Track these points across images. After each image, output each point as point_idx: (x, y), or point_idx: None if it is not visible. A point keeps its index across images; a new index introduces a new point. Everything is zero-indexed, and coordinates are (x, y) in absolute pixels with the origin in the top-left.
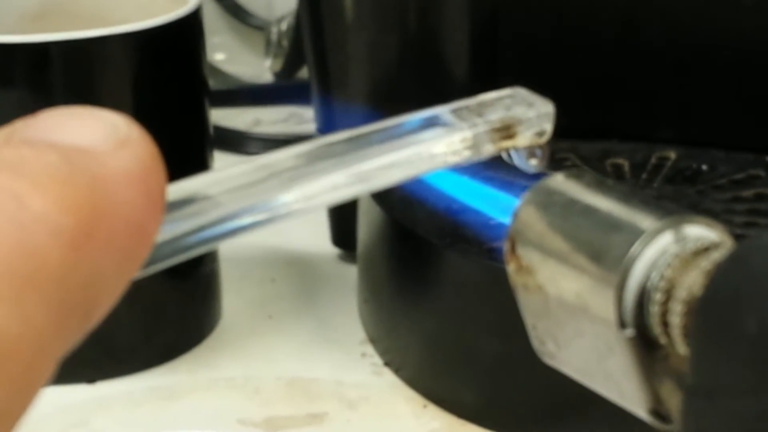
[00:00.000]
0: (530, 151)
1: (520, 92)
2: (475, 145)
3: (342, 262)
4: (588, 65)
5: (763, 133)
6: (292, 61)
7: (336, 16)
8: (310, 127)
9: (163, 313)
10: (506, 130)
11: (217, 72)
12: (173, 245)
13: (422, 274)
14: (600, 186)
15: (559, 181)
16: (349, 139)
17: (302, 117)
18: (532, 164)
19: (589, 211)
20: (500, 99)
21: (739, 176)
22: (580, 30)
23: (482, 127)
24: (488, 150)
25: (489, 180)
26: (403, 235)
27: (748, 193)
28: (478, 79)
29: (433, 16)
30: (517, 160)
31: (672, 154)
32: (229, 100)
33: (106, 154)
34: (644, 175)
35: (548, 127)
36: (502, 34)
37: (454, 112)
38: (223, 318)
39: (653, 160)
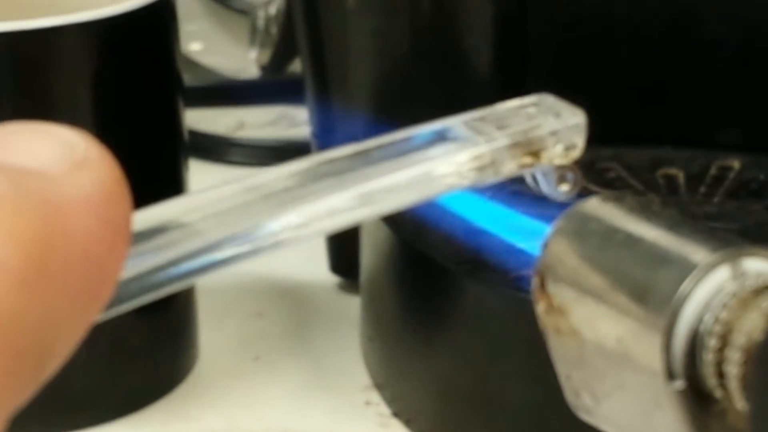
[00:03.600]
0: (559, 174)
1: (547, 99)
2: (492, 164)
3: (342, 293)
4: (636, 59)
5: None
6: (281, 53)
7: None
8: (303, 131)
9: (129, 354)
10: (530, 146)
11: (194, 65)
12: (142, 282)
13: (437, 306)
14: (644, 211)
15: (595, 205)
16: (348, 157)
17: (294, 119)
18: (562, 190)
19: (631, 242)
20: (523, 108)
21: None
22: (625, 18)
23: (501, 141)
24: (508, 169)
25: (514, 201)
26: (414, 260)
27: None
28: (503, 76)
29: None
30: (544, 185)
31: (735, 164)
32: (207, 99)
33: (61, 178)
34: (702, 189)
35: (579, 141)
36: (534, 23)
37: (469, 124)
38: (200, 359)
39: (713, 170)
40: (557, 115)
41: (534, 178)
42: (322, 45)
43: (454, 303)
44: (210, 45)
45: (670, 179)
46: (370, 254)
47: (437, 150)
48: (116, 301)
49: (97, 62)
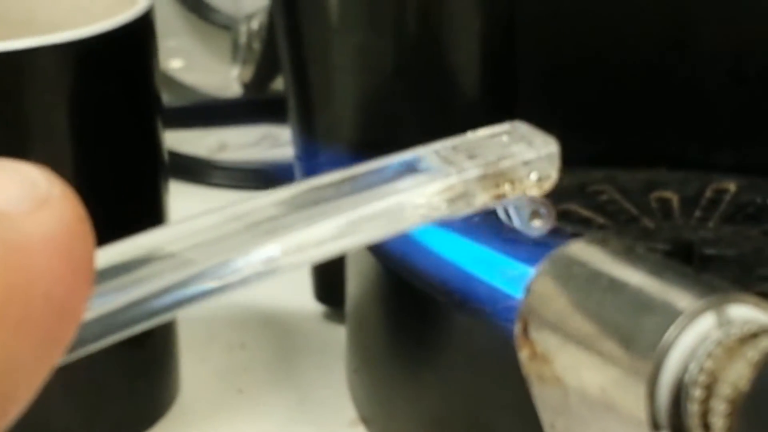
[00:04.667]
0: (532, 209)
1: (520, 128)
2: (464, 195)
3: (327, 322)
4: (629, 80)
5: None
6: (264, 70)
7: (317, 14)
8: (287, 151)
9: (107, 389)
10: (502, 176)
11: (174, 83)
12: (110, 321)
13: (425, 337)
14: (628, 255)
15: (579, 249)
16: (320, 189)
17: (277, 139)
18: (535, 226)
19: (615, 287)
20: (495, 136)
21: None
22: (618, 38)
23: (472, 172)
24: (481, 201)
25: (495, 241)
26: (401, 289)
27: None
28: (492, 95)
29: (436, 16)
30: (516, 220)
31: (731, 186)
32: (188, 120)
33: (22, 217)
34: (697, 213)
35: (553, 171)
36: (524, 43)
37: (440, 153)
38: (181, 393)
39: (708, 193)
40: (530, 144)
41: (506, 213)
42: (305, 63)
43: (442, 334)
44: (191, 62)
45: (664, 202)
46: (355, 283)
47: (408, 181)
48: (81, 342)
49: (74, 84)
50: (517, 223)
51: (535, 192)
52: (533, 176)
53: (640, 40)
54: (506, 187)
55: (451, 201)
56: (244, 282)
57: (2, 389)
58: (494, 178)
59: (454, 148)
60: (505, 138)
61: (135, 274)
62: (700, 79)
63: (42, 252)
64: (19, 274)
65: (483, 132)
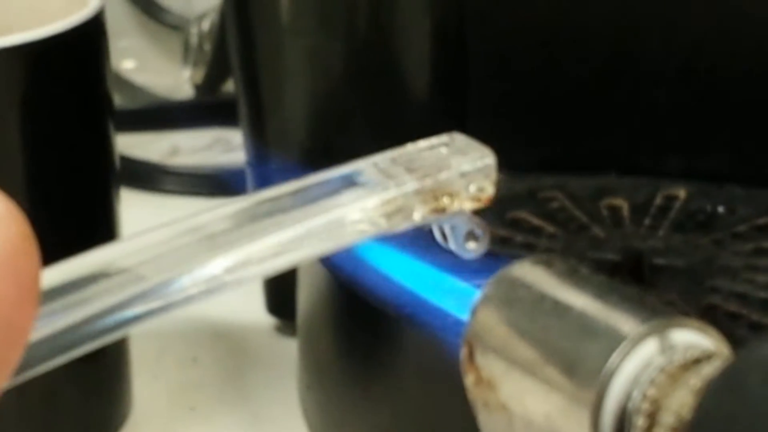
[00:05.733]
0: (468, 230)
1: (458, 139)
2: (402, 210)
3: (280, 336)
4: (578, 83)
5: None
6: (216, 71)
7: (268, 15)
8: (240, 156)
9: (59, 407)
10: (440, 189)
11: (125, 84)
12: (59, 341)
13: (377, 354)
14: (573, 277)
15: (524, 270)
16: (258, 205)
17: (230, 143)
18: (470, 248)
19: (559, 311)
20: (433, 148)
21: (764, 221)
22: (568, 44)
23: (410, 185)
24: (419, 215)
25: (442, 261)
26: (352, 303)
27: None
28: (442, 99)
29: (387, 19)
30: (452, 241)
31: (681, 193)
32: (139, 123)
33: None
34: (647, 221)
35: (490, 183)
36: (474, 49)
37: (379, 167)
38: (133, 411)
39: (658, 200)
40: (468, 155)
41: (442, 233)
42: (256, 65)
43: (393, 349)
44: (143, 62)
45: (615, 210)
46: (306, 296)
47: (349, 195)
48: (28, 363)
49: (24, 87)
50: (452, 243)
51: (473, 205)
52: (471, 188)
53: (590, 45)
54: (445, 201)
55: (390, 215)
56: (191, 299)
57: None
58: (433, 191)
59: (393, 161)
60: (443, 150)
61: (85, 291)
62: (650, 84)
63: None
64: None
65: (422, 144)
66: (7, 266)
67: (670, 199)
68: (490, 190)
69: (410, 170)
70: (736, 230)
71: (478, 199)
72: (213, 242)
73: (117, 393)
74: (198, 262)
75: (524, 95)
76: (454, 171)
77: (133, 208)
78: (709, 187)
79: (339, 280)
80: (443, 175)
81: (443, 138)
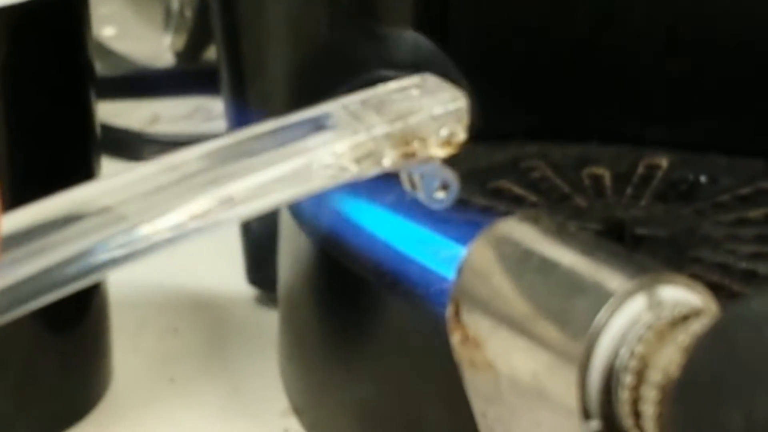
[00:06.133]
0: (439, 180)
1: (430, 80)
2: (371, 154)
3: (260, 306)
4: (562, 51)
5: None
6: (197, 38)
7: None
8: (220, 124)
9: (37, 379)
10: (411, 133)
11: (106, 52)
12: (34, 284)
13: (358, 323)
14: (561, 234)
15: (512, 227)
16: (213, 153)
17: (210, 112)
18: (439, 197)
19: (547, 267)
20: (405, 89)
21: (746, 191)
22: (550, 10)
23: (380, 129)
24: (390, 160)
25: (428, 220)
26: (334, 271)
27: (756, 213)
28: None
29: None
30: (421, 191)
31: (663, 162)
32: (120, 91)
33: None
34: (629, 190)
35: (461, 126)
36: (456, 15)
37: (348, 109)
38: (114, 382)
39: (640, 169)
40: (440, 97)
41: (411, 182)
42: (237, 31)
43: (374, 319)
44: (124, 30)
45: (597, 179)
46: (287, 265)
47: (317, 139)
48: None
49: (3, 52)
50: (421, 192)
51: (444, 151)
52: (443, 132)
53: (574, 12)
54: (415, 145)
55: (360, 160)
56: (157, 245)
57: None
58: (403, 135)
59: (363, 103)
60: (414, 91)
61: (62, 232)
62: (634, 52)
63: None
64: None
65: (392, 85)
66: None
67: (653, 168)
68: (461, 135)
69: (380, 113)
70: (718, 200)
71: (449, 144)
72: (180, 188)
73: (97, 365)
74: (165, 209)
75: (507, 63)
76: (425, 114)
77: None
78: (691, 157)
79: (320, 249)
80: (414, 119)
81: (415, 79)
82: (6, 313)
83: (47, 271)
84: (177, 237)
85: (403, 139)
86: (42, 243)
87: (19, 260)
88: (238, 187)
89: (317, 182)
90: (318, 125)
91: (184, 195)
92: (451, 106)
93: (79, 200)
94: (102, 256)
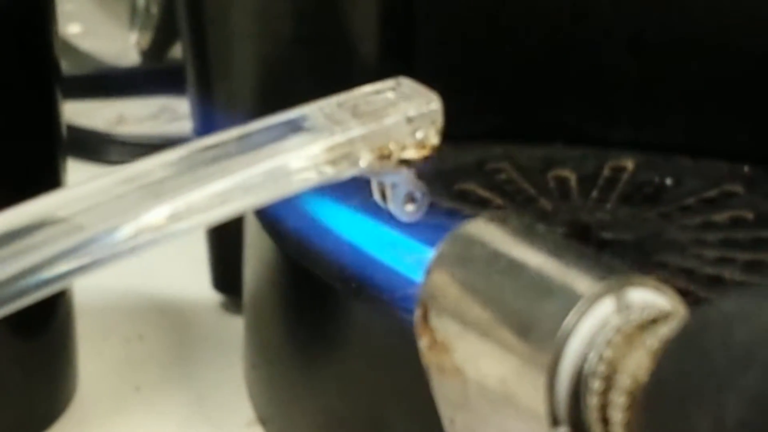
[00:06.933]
0: (408, 192)
1: (404, 84)
2: (347, 156)
3: (225, 312)
4: (527, 51)
5: (741, 135)
6: (162, 36)
7: None
8: (186, 125)
9: (3, 387)
10: (386, 135)
11: (71, 50)
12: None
13: (324, 330)
14: (529, 234)
15: (479, 227)
16: (197, 152)
17: (176, 112)
18: (408, 210)
19: (514, 269)
20: (380, 92)
21: (711, 193)
22: (516, 9)
23: (356, 131)
24: (365, 162)
25: (395, 222)
26: (299, 277)
27: (722, 216)
28: (389, 63)
29: None
30: (391, 202)
31: (629, 164)
32: (85, 90)
33: None
34: (595, 193)
35: (436, 128)
36: (422, 13)
37: (324, 111)
38: (79, 390)
39: (606, 171)
40: (414, 101)
41: (382, 193)
42: (203, 28)
43: (340, 325)
44: (89, 27)
45: (562, 182)
46: (253, 270)
47: (294, 141)
48: None
49: None
50: (391, 203)
51: (418, 153)
52: (418, 135)
53: (539, 11)
54: (391, 147)
55: (336, 162)
56: (134, 249)
57: None
58: (379, 136)
59: (339, 105)
60: (390, 94)
61: (22, 242)
62: (599, 52)
63: None
64: None
65: (368, 88)
66: None
67: (618, 170)
68: (435, 139)
69: (356, 115)
70: (684, 203)
71: (423, 147)
72: (153, 190)
73: (62, 373)
74: (138, 211)
75: (472, 63)
76: (401, 116)
77: (79, 178)
78: (657, 159)
79: (286, 253)
80: (389, 120)
81: (390, 82)
82: None
83: (4, 283)
84: (137, 246)
85: (379, 141)
86: (3, 251)
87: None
88: (202, 194)
89: (293, 185)
90: (294, 127)
91: (144, 203)
92: (426, 109)
93: (37, 210)
94: (60, 267)
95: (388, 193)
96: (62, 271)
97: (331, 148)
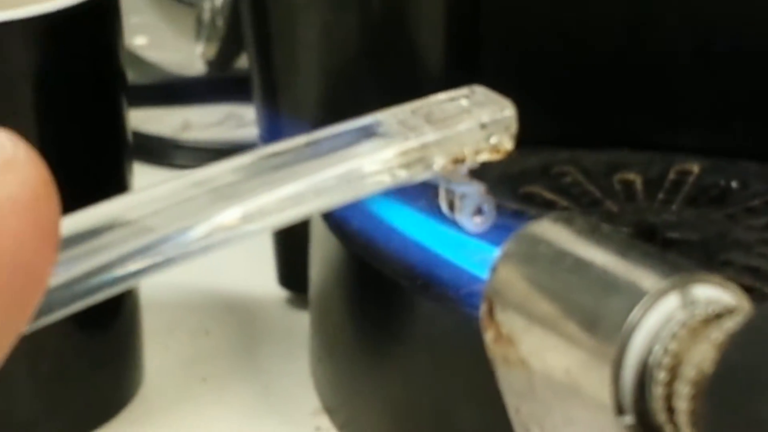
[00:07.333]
0: (477, 204)
1: (478, 91)
2: (422, 160)
3: (292, 308)
4: (593, 57)
5: None
6: (228, 47)
7: None
8: (251, 131)
9: (71, 378)
10: (460, 140)
11: (138, 61)
12: (76, 288)
13: (388, 324)
14: (594, 234)
15: (545, 227)
16: (279, 154)
17: (242, 119)
18: (476, 222)
19: (580, 267)
20: (454, 100)
21: None
22: (582, 12)
23: (430, 136)
24: (439, 166)
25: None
26: (364, 274)
27: None
28: (455, 75)
29: None
30: (460, 213)
31: (695, 168)
32: (151, 98)
33: None
34: (660, 195)
35: (510, 134)
36: (487, 16)
37: (398, 117)
38: (145, 382)
39: (672, 175)
40: (488, 107)
41: (449, 205)
42: (269, 40)
43: (405, 321)
44: (155, 39)
45: (628, 185)
46: (319, 268)
47: (367, 146)
48: (47, 309)
49: (39, 59)
50: (459, 213)
51: (492, 156)
52: (492, 140)
53: (607, 20)
54: (465, 151)
55: (410, 165)
56: (203, 250)
57: None
58: (452, 141)
59: (413, 112)
60: (463, 102)
61: (95, 242)
62: (666, 60)
63: (7, 214)
64: None
65: (442, 96)
66: (28, 210)
67: (684, 173)
68: (509, 144)
69: (430, 121)
70: (749, 205)
71: (497, 151)
72: (224, 193)
73: (128, 365)
74: (209, 213)
75: (539, 71)
76: (474, 122)
77: (146, 180)
78: (722, 163)
79: (351, 250)
80: (463, 126)
81: (464, 90)
82: (59, 310)
83: (74, 280)
84: (207, 246)
85: (453, 146)
86: (80, 249)
87: (70, 261)
88: (274, 196)
89: (367, 187)
90: (368, 132)
91: (215, 206)
92: (500, 115)
93: (109, 212)
94: (129, 266)
95: (457, 203)
96: (131, 270)
97: (405, 152)
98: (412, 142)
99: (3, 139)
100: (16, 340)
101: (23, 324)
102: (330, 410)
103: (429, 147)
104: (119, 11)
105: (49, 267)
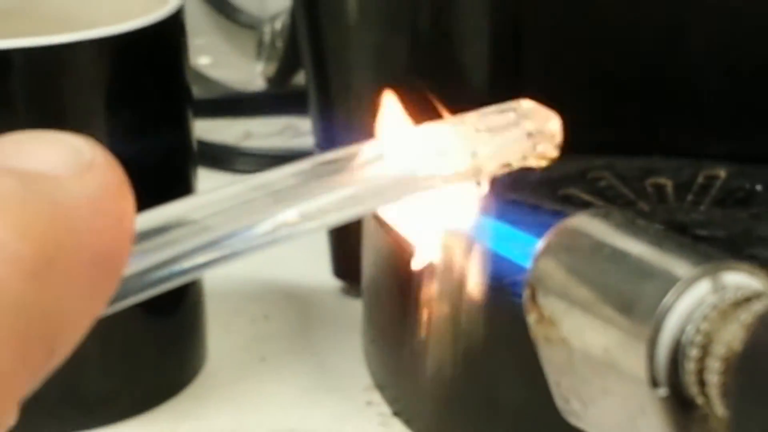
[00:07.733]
0: None
1: (525, 104)
2: (472, 167)
3: (345, 296)
4: (626, 70)
5: None
6: (287, 66)
7: (336, 15)
8: (308, 141)
9: (140, 357)
10: (508, 148)
11: (202, 78)
12: (146, 278)
13: None
14: (630, 227)
15: (584, 221)
16: (339, 160)
17: (298, 129)
18: None
19: (617, 256)
20: (502, 112)
21: None
22: (616, 30)
23: (482, 146)
24: (486, 174)
25: (506, 215)
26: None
27: None
28: (498, 88)
29: (447, 15)
30: None
31: (722, 173)
32: (215, 111)
33: (69, 180)
34: (690, 197)
35: (555, 144)
36: (527, 36)
37: (450, 128)
38: (208, 361)
39: (700, 179)
40: (534, 119)
41: None
42: (324, 59)
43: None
44: (218, 59)
45: (659, 188)
46: (370, 258)
47: (420, 154)
48: (121, 295)
49: (110, 76)
50: None
51: (538, 162)
52: (538, 149)
53: (640, 36)
54: (512, 159)
55: (462, 172)
56: (263, 245)
57: (51, 331)
58: (501, 150)
59: (465, 123)
60: (511, 114)
61: (164, 237)
62: (696, 75)
63: (87, 211)
64: (66, 229)
65: (492, 108)
66: (106, 207)
67: (712, 178)
68: (554, 153)
69: (479, 131)
70: None
71: (543, 159)
72: (281, 195)
73: (193, 345)
74: (268, 213)
75: (577, 85)
76: (522, 132)
77: (210, 184)
78: (748, 168)
79: (401, 246)
80: (511, 135)
81: (511, 104)
82: (128, 298)
83: (144, 272)
84: (265, 243)
85: (500, 155)
86: (145, 246)
87: (140, 254)
88: (346, 192)
89: (418, 190)
90: (421, 141)
91: (273, 208)
92: (545, 126)
93: (177, 212)
94: (192, 261)
95: None
96: (194, 263)
97: (458, 161)
98: (466, 151)
99: (83, 145)
100: (93, 323)
101: (100, 308)
102: (381, 387)
103: (481, 156)
104: (184, 32)
105: (124, 258)
